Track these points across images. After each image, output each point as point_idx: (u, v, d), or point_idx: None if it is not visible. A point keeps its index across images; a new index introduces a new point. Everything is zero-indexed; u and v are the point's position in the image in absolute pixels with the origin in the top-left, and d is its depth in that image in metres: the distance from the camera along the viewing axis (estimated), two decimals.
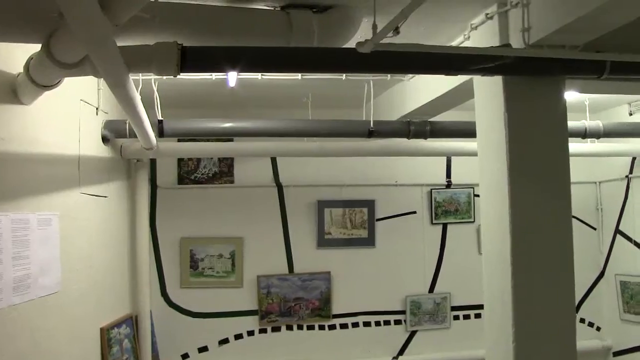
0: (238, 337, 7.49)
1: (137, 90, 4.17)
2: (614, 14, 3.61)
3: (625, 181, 8.17)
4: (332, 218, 7.64)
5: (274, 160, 7.61)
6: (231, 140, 7.07)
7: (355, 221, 7.70)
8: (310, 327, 7.65)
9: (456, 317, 8.01)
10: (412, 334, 7.91)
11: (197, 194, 7.48)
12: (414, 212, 7.92)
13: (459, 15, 4.57)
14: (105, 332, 5.58)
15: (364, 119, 6.33)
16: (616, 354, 8.45)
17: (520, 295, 4.21)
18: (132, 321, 6.48)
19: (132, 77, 3.82)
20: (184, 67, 3.71)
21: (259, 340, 7.51)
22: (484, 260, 4.56)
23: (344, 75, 5.72)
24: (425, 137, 6.45)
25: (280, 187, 7.61)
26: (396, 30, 3.12)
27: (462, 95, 5.23)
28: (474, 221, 7.94)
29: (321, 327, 7.68)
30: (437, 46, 3.76)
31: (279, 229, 7.61)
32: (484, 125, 4.55)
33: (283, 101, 7.04)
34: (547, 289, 4.29)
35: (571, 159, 7.17)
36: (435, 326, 7.95)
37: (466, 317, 7.95)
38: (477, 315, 7.81)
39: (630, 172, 8.08)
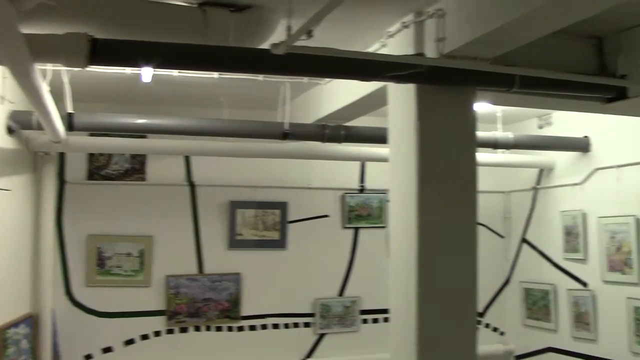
0: (144, 337, 7.36)
1: (46, 80, 4.07)
2: (522, 30, 3.72)
3: (532, 192, 8.39)
4: (244, 219, 7.61)
5: (187, 159, 7.52)
6: (144, 136, 6.95)
7: (267, 223, 7.69)
8: (219, 329, 7.59)
9: (365, 321, 8.07)
10: (321, 336, 7.94)
11: (107, 190, 7.32)
12: (327, 216, 7.96)
13: (377, 22, 4.62)
14: (1, 332, 5.39)
15: (279, 120, 6.33)
16: (518, 357, 8.67)
17: (424, 299, 4.27)
18: (32, 321, 6.31)
19: (40, 67, 3.72)
20: (94, 59, 3.63)
21: (166, 341, 7.40)
22: (391, 265, 4.61)
23: (261, 76, 5.71)
24: (339, 142, 6.50)
25: (192, 186, 7.54)
26: (309, 34, 3.13)
27: (376, 101, 5.27)
28: (385, 226, 8.01)
29: (230, 329, 7.63)
30: (350, 51, 3.79)
31: (190, 229, 7.53)
32: (396, 132, 4.60)
33: (199, 100, 6.98)
34: (451, 294, 4.37)
35: (481, 168, 7.31)
36: (344, 329, 8.00)
37: (375, 320, 8.02)
38: (386, 319, 7.76)
39: (538, 183, 8.31)
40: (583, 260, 7.54)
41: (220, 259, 7.57)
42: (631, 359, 6.89)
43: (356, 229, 8.07)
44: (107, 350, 7.23)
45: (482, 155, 7.34)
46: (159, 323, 7.40)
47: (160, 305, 7.40)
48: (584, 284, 7.53)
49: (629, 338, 6.88)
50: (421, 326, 4.27)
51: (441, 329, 4.35)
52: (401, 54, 4.34)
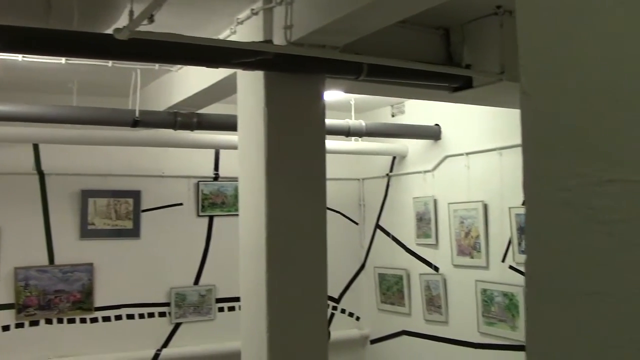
0: None
1: None
2: (368, 18, 3.76)
3: (386, 179, 8.57)
4: (96, 208, 7.42)
5: (35, 147, 7.22)
6: None
7: (120, 212, 7.53)
8: (72, 321, 7.38)
9: (221, 309, 8.05)
10: (177, 326, 7.85)
11: None
12: (181, 204, 7.87)
13: (226, 8, 4.58)
14: None
15: (130, 108, 6.20)
16: (373, 341, 8.86)
17: (274, 286, 4.28)
18: None
19: None
20: None
21: (16, 336, 7.11)
22: (241, 253, 4.61)
23: (110, 62, 5.56)
24: (192, 129, 6.43)
25: (42, 175, 7.26)
26: (151, 19, 3.08)
27: (227, 88, 5.24)
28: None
29: (83, 320, 7.42)
30: (196, 37, 3.74)
31: (39, 219, 7.25)
32: (245, 119, 4.59)
33: (47, 86, 6.74)
34: (301, 281, 4.40)
35: (336, 156, 7.42)
36: (200, 318, 7.95)
37: (231, 308, 8.00)
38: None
39: (391, 170, 8.50)
40: (434, 245, 7.77)
41: (72, 249, 7.35)
42: (480, 339, 7.16)
43: (211, 217, 8.02)
44: None
45: (336, 143, 7.48)
46: (7, 317, 7.10)
47: (8, 299, 7.09)
48: (436, 269, 7.76)
49: (477, 319, 7.14)
50: (271, 313, 4.28)
51: (291, 315, 4.38)
52: (250, 40, 4.33)
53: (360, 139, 7.60)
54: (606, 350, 1.23)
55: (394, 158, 8.44)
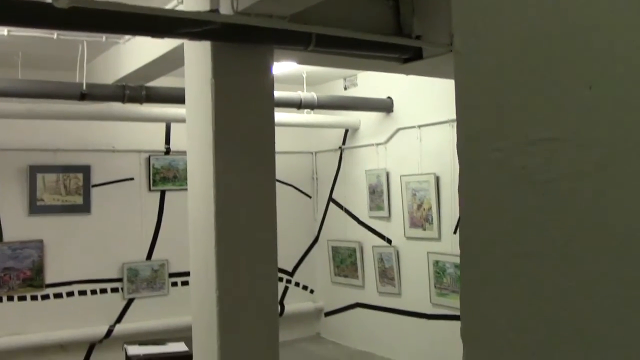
0: None
1: None
2: None
3: (339, 152, 8.57)
4: (45, 184, 7.30)
5: None
6: None
7: (70, 187, 7.42)
8: (22, 298, 7.28)
9: (174, 284, 8.01)
10: (130, 301, 7.80)
11: None
12: (132, 179, 7.78)
13: None
14: None
15: (77, 81, 6.08)
16: (327, 314, 8.89)
17: (223, 260, 4.24)
18: None
19: None
20: None
21: None
22: (190, 227, 4.56)
23: (55, 33, 5.43)
24: (141, 102, 6.34)
25: None
26: None
27: (175, 60, 5.16)
28: None
29: (34, 298, 7.33)
30: (139, 6, 3.66)
31: None
32: (193, 92, 4.52)
33: None
34: (251, 254, 4.37)
35: (289, 129, 7.39)
36: (154, 293, 7.90)
37: (184, 283, 7.95)
38: None
39: (343, 143, 8.49)
40: (387, 218, 7.80)
41: (21, 226, 7.23)
42: (432, 309, 7.22)
43: (162, 192, 7.94)
44: None
45: (288, 116, 7.45)
46: None
47: None
48: (389, 241, 7.80)
49: (430, 290, 7.20)
50: (221, 287, 4.25)
51: (242, 288, 4.35)
52: (196, 10, 4.26)
53: (312, 111, 7.57)
54: (541, 311, 1.23)
55: (347, 131, 8.44)
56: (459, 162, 1.37)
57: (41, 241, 7.30)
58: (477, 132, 1.31)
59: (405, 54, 5.21)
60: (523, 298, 1.26)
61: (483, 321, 1.34)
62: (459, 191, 1.39)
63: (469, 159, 1.34)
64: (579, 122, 1.12)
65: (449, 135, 6.79)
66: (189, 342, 5.37)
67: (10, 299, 7.21)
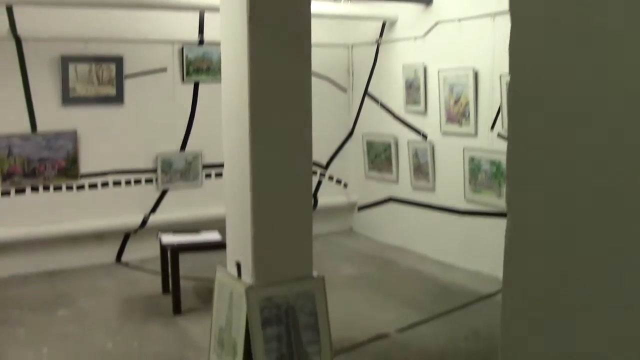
0: None
1: None
2: None
3: (375, 45, 8.38)
4: (78, 74, 7.23)
5: (9, 11, 6.90)
6: None
7: (103, 78, 7.34)
8: (58, 188, 7.34)
9: (208, 176, 8.02)
10: (164, 192, 7.84)
11: None
12: (165, 70, 7.68)
13: None
14: None
15: None
16: (360, 208, 8.90)
17: (257, 151, 4.19)
18: None
19: None
20: None
21: (2, 204, 7.08)
22: (223, 118, 4.50)
23: None
24: None
25: (18, 41, 7.01)
26: None
27: None
28: None
29: (69, 188, 7.38)
30: None
31: (18, 86, 7.03)
32: None
33: None
34: (285, 146, 4.30)
35: (325, 21, 7.23)
36: (187, 184, 7.93)
37: (218, 175, 7.97)
38: None
39: (380, 36, 8.29)
40: (423, 113, 7.68)
41: (54, 116, 7.21)
42: (466, 206, 7.18)
43: (196, 83, 7.85)
44: None
45: (325, 6, 7.26)
46: None
47: None
48: (424, 136, 7.70)
49: (464, 187, 7.14)
50: (255, 177, 4.21)
51: (275, 179, 4.31)
52: None
53: (349, 2, 7.36)
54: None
55: (384, 24, 8.22)
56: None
57: (75, 132, 7.29)
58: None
59: None
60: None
61: None
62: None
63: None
64: None
65: (489, 29, 6.59)
66: (222, 232, 5.40)
67: (46, 189, 7.27)
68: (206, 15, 7.69)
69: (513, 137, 1.31)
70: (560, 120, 1.18)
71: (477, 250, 7.05)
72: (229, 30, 4.36)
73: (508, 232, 1.34)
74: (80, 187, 7.43)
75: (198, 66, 7.78)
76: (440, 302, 6.27)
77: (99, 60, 7.30)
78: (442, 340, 5.42)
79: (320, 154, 8.51)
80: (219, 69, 7.73)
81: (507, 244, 1.34)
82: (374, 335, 5.49)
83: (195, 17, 7.69)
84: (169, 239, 6.22)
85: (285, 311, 4.35)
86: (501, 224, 6.56)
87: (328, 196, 8.81)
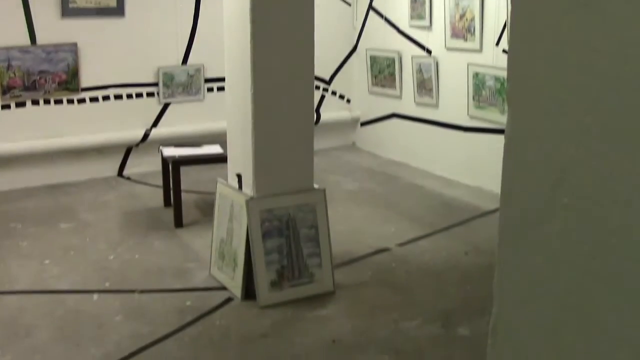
0: None
1: None
2: None
3: None
4: None
5: None
6: None
7: None
8: (59, 102, 7.28)
9: (210, 89, 7.95)
10: (166, 106, 7.78)
11: None
12: None
13: None
14: None
15: None
16: (363, 124, 8.86)
17: (259, 64, 4.15)
18: None
19: None
20: None
21: (2, 118, 7.02)
22: (225, 31, 4.43)
23: None
24: None
25: None
26: None
27: None
28: None
29: (70, 101, 7.33)
30: None
31: None
32: None
33: None
34: (287, 59, 4.26)
35: None
36: (189, 98, 7.87)
37: (220, 89, 7.87)
38: None
39: None
40: (427, 27, 7.58)
41: (54, 28, 7.08)
42: (469, 122, 7.14)
43: None
44: None
45: None
46: None
47: None
48: (428, 51, 7.61)
49: (468, 103, 7.09)
50: (256, 90, 4.18)
51: (277, 93, 4.28)
52: None
53: None
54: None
55: None
56: None
57: (75, 44, 7.19)
58: None
59: None
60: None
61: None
62: None
63: None
64: None
65: None
66: (224, 146, 5.38)
67: (47, 102, 7.21)
68: None
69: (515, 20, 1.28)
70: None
71: (479, 166, 7.03)
72: None
73: (508, 127, 1.32)
74: (82, 101, 7.37)
75: None
76: (442, 218, 6.29)
77: None
78: (442, 254, 5.45)
79: (323, 68, 8.42)
80: None
81: (507, 140, 1.32)
82: (374, 249, 5.52)
83: None
84: (170, 152, 6.21)
85: (286, 223, 4.37)
86: (504, 140, 6.58)
87: (331, 111, 8.76)
